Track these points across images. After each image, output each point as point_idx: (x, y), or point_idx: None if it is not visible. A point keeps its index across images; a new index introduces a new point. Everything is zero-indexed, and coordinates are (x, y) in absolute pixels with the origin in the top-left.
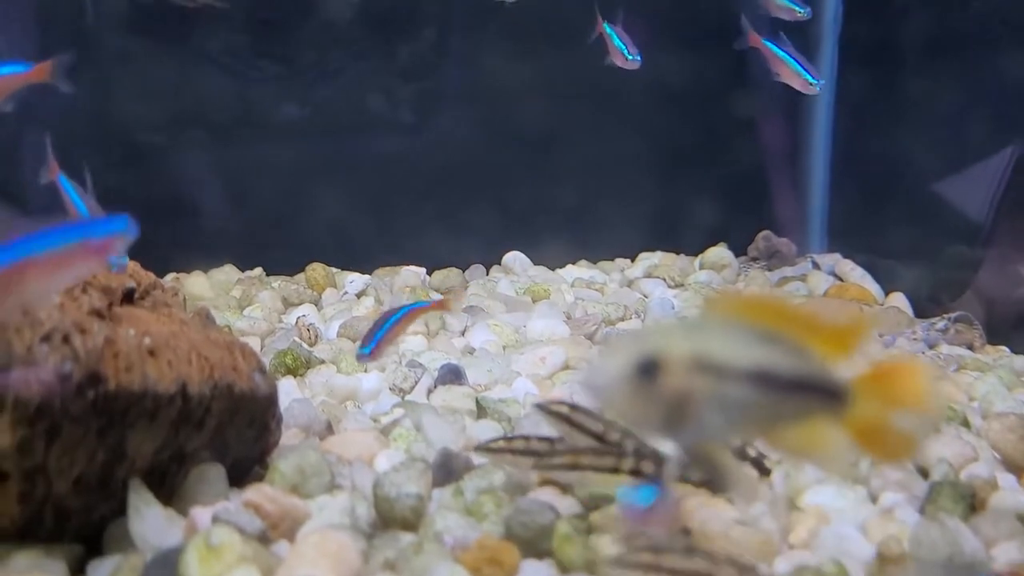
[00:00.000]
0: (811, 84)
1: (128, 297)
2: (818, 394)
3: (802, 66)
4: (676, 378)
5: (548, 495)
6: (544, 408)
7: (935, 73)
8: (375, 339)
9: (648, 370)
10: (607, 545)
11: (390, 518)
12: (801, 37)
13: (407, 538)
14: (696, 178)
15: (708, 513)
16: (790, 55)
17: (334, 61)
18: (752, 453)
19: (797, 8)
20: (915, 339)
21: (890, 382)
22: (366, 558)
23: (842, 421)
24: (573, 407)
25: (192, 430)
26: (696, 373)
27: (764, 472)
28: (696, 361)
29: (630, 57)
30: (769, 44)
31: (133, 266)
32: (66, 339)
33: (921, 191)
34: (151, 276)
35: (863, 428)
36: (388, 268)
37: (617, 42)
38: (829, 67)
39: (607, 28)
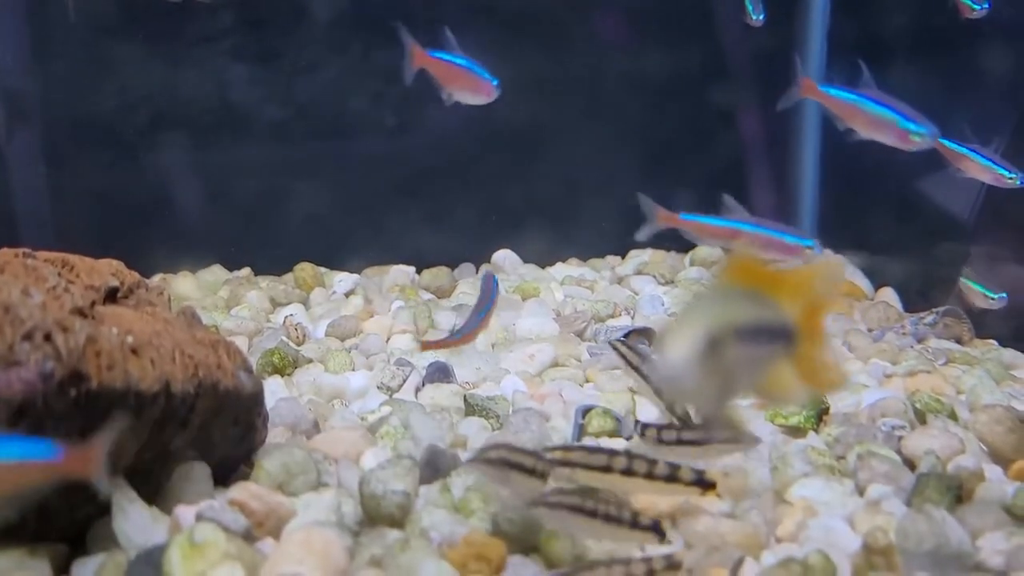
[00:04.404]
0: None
1: (111, 296)
2: (786, 339)
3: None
4: (733, 348)
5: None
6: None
7: (923, 68)
8: None
9: (716, 346)
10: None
11: (377, 515)
12: (789, 31)
13: (394, 535)
14: (685, 175)
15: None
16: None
17: (321, 59)
18: None
19: (752, 14)
20: (904, 333)
21: (813, 319)
22: (352, 555)
23: (791, 360)
24: (511, 448)
25: (176, 428)
26: (740, 341)
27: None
28: (740, 330)
29: (976, 7)
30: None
31: (117, 265)
32: (48, 337)
33: (910, 186)
34: (135, 275)
35: (803, 364)
36: (377, 267)
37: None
38: (817, 61)
39: None
